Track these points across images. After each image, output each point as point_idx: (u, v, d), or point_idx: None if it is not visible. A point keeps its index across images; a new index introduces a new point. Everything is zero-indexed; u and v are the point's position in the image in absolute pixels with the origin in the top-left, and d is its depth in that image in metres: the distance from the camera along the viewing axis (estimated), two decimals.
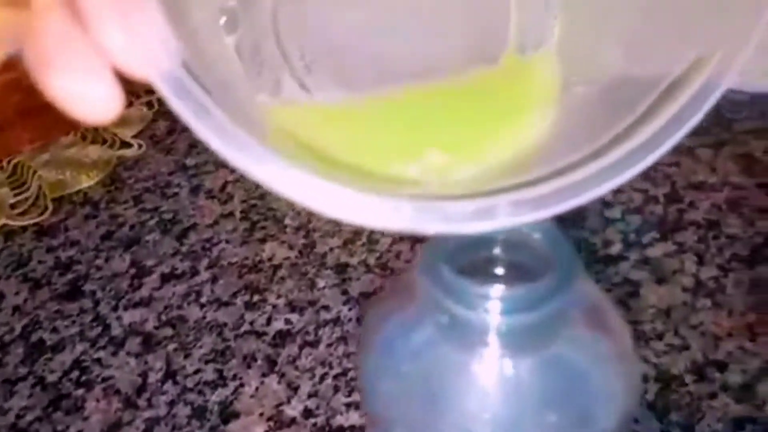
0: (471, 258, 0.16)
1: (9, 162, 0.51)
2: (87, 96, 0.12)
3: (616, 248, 0.39)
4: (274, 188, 0.12)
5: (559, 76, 0.17)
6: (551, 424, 0.16)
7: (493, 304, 0.15)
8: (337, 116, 0.17)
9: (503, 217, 0.12)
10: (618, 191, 0.44)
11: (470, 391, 0.16)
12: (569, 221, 0.37)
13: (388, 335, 0.18)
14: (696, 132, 0.48)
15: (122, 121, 0.55)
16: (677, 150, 0.50)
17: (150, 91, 0.58)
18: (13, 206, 0.47)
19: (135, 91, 0.58)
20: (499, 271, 0.17)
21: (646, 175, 0.47)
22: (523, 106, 0.17)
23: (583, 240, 0.40)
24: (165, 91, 0.13)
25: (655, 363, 0.33)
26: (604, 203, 0.43)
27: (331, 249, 0.41)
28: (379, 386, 0.18)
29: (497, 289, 0.15)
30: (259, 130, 0.13)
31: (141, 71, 0.12)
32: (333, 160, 0.16)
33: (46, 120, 0.52)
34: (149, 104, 0.57)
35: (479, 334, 0.15)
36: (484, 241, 0.17)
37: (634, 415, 0.19)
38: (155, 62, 0.12)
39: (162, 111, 0.56)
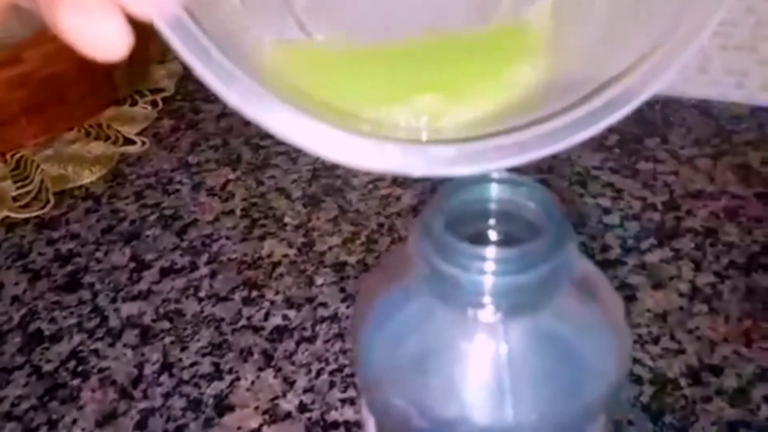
0: (466, 229, 0.17)
1: (13, 156, 0.51)
2: (98, 34, 0.13)
3: (614, 253, 0.39)
4: (265, 125, 0.13)
5: (551, 31, 0.18)
6: (542, 389, 0.17)
7: (487, 264, 0.15)
8: (334, 57, 0.18)
9: (486, 161, 0.13)
10: (617, 198, 0.44)
11: (464, 354, 0.17)
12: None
13: (383, 302, 0.18)
14: (696, 142, 0.48)
15: (126, 119, 0.55)
16: (676, 159, 0.50)
17: (154, 90, 0.59)
18: (15, 199, 0.47)
19: (140, 90, 0.58)
20: (494, 241, 0.18)
21: (644, 183, 0.48)
22: (513, 58, 0.17)
23: (582, 245, 0.40)
24: (165, 31, 0.13)
25: (650, 366, 0.33)
26: (603, 210, 0.43)
27: (330, 248, 0.41)
28: (374, 353, 0.18)
29: (491, 250, 0.15)
30: (254, 69, 0.14)
31: (144, 12, 0.13)
32: (325, 102, 0.16)
33: (50, 115, 0.53)
34: (154, 103, 0.57)
35: (474, 295, 0.16)
36: (478, 213, 0.17)
37: (624, 386, 0.19)
38: (158, 5, 0.13)
39: (166, 110, 0.56)
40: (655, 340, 0.34)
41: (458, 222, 0.16)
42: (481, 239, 0.18)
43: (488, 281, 0.15)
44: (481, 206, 0.17)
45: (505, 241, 0.18)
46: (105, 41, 0.13)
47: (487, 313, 0.16)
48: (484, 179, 0.17)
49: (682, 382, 0.32)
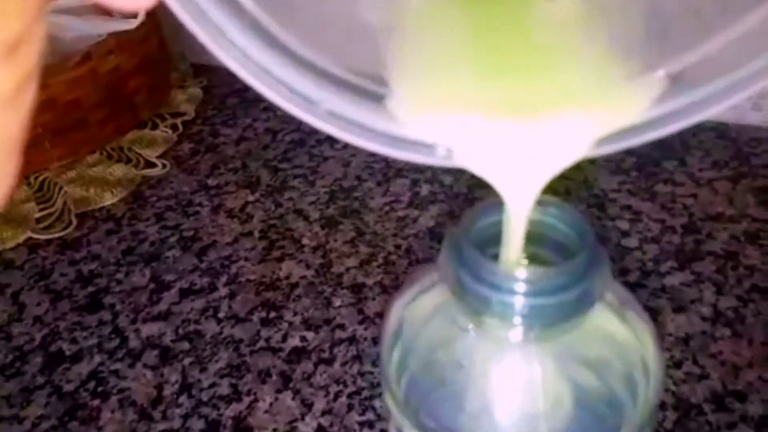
0: (494, 250, 0.17)
1: (36, 178, 0.52)
2: None
3: (633, 276, 0.39)
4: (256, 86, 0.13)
5: None
6: (574, 411, 0.16)
7: (519, 285, 0.15)
8: None
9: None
10: (635, 221, 0.44)
11: (495, 374, 0.17)
12: None
13: (412, 321, 0.18)
14: (714, 165, 0.48)
15: (147, 142, 0.56)
16: (695, 182, 0.50)
17: (175, 114, 0.60)
18: (38, 220, 0.48)
19: (161, 114, 0.59)
20: (524, 262, 0.18)
21: (663, 205, 0.47)
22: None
23: None
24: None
25: (673, 391, 0.32)
26: (621, 233, 0.43)
27: (348, 269, 0.41)
28: (403, 371, 0.18)
29: (523, 271, 0.15)
30: None
31: None
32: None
33: (73, 139, 0.54)
34: (174, 127, 0.58)
35: (505, 316, 0.15)
36: None
37: (657, 408, 0.19)
38: None
39: (187, 133, 0.57)
40: (678, 365, 0.34)
41: (486, 243, 0.16)
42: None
43: (519, 302, 0.15)
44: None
45: (533, 262, 0.17)
46: None
47: (518, 334, 0.16)
48: None
49: (706, 407, 0.32)
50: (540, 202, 0.16)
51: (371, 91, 0.14)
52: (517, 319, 0.15)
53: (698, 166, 0.48)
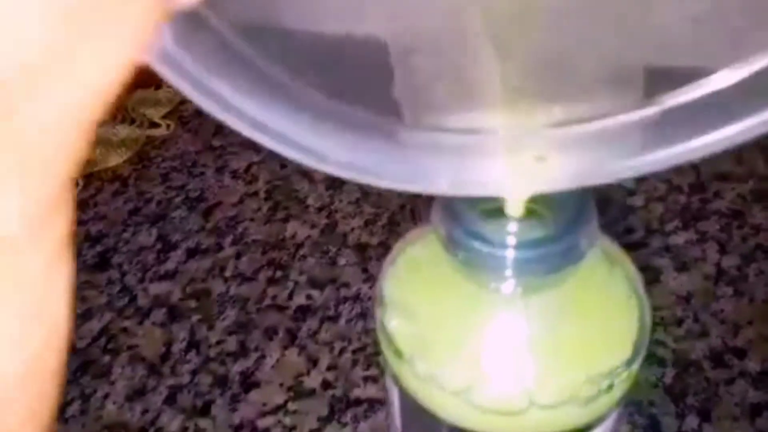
0: (485, 205, 0.17)
1: None
2: None
3: (637, 235, 0.39)
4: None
5: None
6: (562, 363, 0.17)
7: (509, 238, 0.15)
8: None
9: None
10: (642, 180, 0.44)
11: (486, 327, 0.17)
12: None
13: (407, 272, 0.18)
14: None
15: (152, 103, 0.56)
16: None
17: None
18: None
19: None
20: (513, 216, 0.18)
21: None
22: None
23: (605, 226, 0.40)
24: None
25: (673, 348, 0.33)
26: (628, 192, 0.42)
27: (352, 229, 0.42)
28: (398, 325, 0.18)
29: (513, 224, 0.15)
30: None
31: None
32: None
33: None
34: None
35: (495, 269, 0.16)
36: None
37: (645, 353, 0.19)
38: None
39: None
40: (679, 323, 0.34)
41: (478, 198, 0.16)
42: (500, 215, 0.18)
43: (510, 255, 0.15)
44: None
45: (524, 216, 0.18)
46: None
47: (509, 287, 0.16)
48: None
49: (705, 364, 0.32)
50: None
51: (381, 126, 0.14)
52: (509, 272, 0.16)
53: None
